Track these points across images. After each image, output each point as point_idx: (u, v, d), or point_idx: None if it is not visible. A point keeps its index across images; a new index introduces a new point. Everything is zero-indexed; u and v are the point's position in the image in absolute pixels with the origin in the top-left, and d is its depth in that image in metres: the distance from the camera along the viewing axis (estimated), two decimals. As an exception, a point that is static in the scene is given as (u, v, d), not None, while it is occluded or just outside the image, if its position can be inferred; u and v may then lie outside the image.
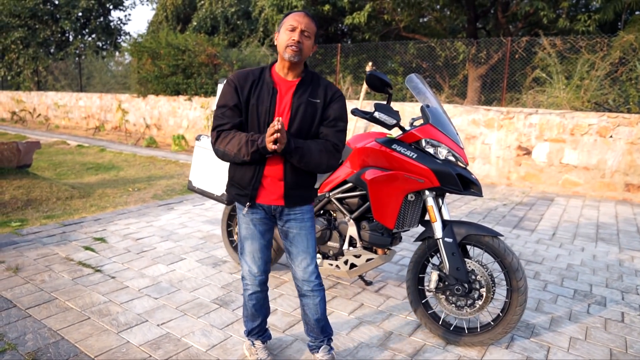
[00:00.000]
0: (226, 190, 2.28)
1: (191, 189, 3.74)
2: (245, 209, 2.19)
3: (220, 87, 3.38)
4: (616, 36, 8.18)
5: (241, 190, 2.18)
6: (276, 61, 2.18)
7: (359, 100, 9.40)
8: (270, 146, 1.94)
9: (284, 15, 2.13)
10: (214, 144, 2.12)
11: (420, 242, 2.82)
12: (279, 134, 1.91)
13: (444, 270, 2.62)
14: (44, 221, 4.88)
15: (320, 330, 2.36)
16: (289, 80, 2.14)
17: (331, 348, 2.40)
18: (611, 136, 7.05)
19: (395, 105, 8.69)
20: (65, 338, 2.62)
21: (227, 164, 2.97)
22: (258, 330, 2.47)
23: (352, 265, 3.05)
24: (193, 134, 12.41)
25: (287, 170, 2.13)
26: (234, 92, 2.11)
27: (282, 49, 2.07)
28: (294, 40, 2.03)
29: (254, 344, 2.48)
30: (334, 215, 3.17)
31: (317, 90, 2.16)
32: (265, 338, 2.51)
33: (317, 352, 2.38)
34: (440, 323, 2.75)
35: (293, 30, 2.04)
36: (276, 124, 1.90)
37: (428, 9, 12.69)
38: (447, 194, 3.39)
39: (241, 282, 2.41)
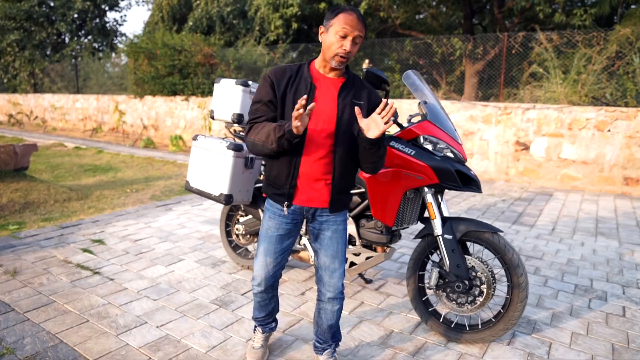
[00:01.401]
0: (264, 190, 2.20)
1: (189, 189, 3.71)
2: (285, 209, 2.11)
3: (217, 87, 3.36)
4: (612, 30, 8.17)
5: (277, 188, 2.11)
6: (314, 58, 2.12)
7: (357, 98, 9.37)
8: (296, 124, 1.82)
9: (332, 12, 1.97)
10: (246, 136, 2.05)
11: (419, 240, 2.81)
12: (301, 112, 1.79)
13: (444, 268, 2.61)
14: (42, 224, 4.86)
15: (331, 336, 2.33)
16: (330, 78, 2.07)
17: (334, 352, 2.38)
18: (609, 130, 7.05)
19: (392, 102, 8.66)
20: (64, 341, 2.60)
21: (226, 165, 2.98)
22: (262, 320, 2.47)
23: (352, 264, 3.03)
24: (190, 134, 12.38)
25: (335, 173, 2.07)
26: (270, 88, 2.03)
27: (329, 54, 1.98)
28: (345, 50, 1.94)
29: (255, 329, 2.52)
30: (333, 213, 3.15)
31: (361, 92, 2.11)
32: (267, 330, 2.51)
33: (321, 354, 2.37)
34: (441, 320, 2.73)
35: (345, 36, 1.93)
36: (301, 101, 1.78)
37: (424, 6, 12.68)
38: (446, 190, 3.38)
39: (240, 282, 2.40)
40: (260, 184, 3.23)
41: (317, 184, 2.07)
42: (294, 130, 1.84)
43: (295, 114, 1.79)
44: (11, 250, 4.04)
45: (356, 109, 1.91)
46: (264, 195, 2.21)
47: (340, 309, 2.25)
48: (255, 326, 2.52)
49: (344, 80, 2.07)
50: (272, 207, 2.16)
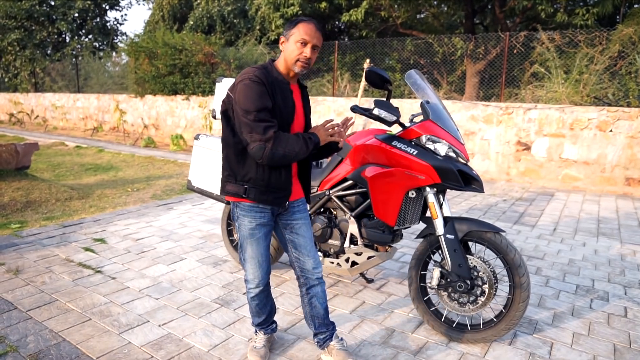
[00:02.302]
0: (257, 199, 2.17)
1: (190, 188, 3.72)
2: (287, 208, 2.30)
3: (218, 86, 3.36)
4: (615, 30, 8.16)
5: (280, 192, 2.20)
6: (274, 59, 2.21)
7: (357, 97, 9.38)
8: (329, 139, 2.13)
9: (292, 23, 2.11)
10: (271, 148, 2.00)
11: (421, 239, 2.81)
12: (338, 129, 2.15)
13: (446, 267, 2.61)
14: (44, 223, 4.86)
15: (329, 320, 2.44)
16: (293, 84, 2.24)
17: (338, 336, 2.47)
18: (611, 130, 7.04)
19: (393, 102, 8.67)
20: (66, 340, 2.61)
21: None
22: (263, 324, 2.52)
23: (354, 263, 3.03)
24: (191, 134, 12.38)
25: (301, 167, 2.33)
26: (267, 93, 2.05)
27: (291, 61, 2.11)
28: (305, 56, 2.09)
29: (256, 332, 2.56)
30: (335, 213, 3.15)
31: (305, 94, 2.35)
32: (269, 331, 2.55)
33: (331, 341, 2.43)
34: (442, 320, 2.74)
35: (304, 44, 2.08)
36: (336, 122, 2.15)
37: (425, 5, 12.67)
38: (448, 190, 3.38)
39: (242, 281, 2.42)
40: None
41: (294, 179, 2.32)
42: (321, 143, 2.13)
43: (336, 130, 2.14)
44: (13, 248, 4.05)
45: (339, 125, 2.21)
46: (243, 200, 2.19)
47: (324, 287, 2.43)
48: (256, 330, 2.55)
49: (299, 86, 2.30)
50: (253, 210, 2.21)
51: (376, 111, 2.60)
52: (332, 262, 3.11)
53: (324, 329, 2.43)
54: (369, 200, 2.90)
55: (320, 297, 2.37)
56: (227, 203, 3.07)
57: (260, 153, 2.01)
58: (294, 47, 2.08)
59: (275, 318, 2.88)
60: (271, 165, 2.12)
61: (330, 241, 3.13)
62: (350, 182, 2.97)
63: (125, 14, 32.28)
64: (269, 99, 2.05)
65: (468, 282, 2.55)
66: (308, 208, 2.41)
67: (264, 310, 2.45)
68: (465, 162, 2.66)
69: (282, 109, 2.11)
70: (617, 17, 11.84)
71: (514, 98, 9.39)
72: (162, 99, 13.34)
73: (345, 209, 3.01)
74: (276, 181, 2.16)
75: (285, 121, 2.13)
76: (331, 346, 2.42)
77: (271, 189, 2.17)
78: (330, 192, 3.06)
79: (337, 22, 16.60)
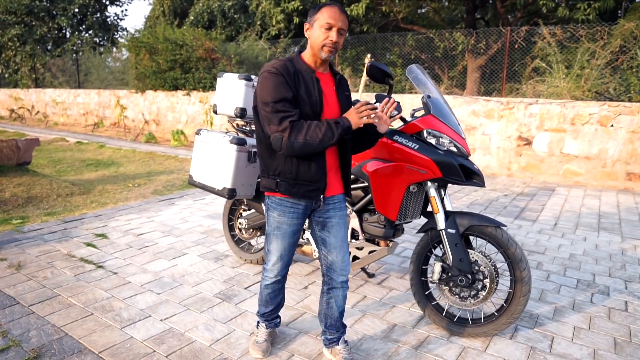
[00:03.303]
0: (288, 192, 2.13)
1: (192, 183, 3.71)
2: (322, 204, 2.20)
3: (219, 81, 3.36)
4: (616, 24, 8.13)
5: (311, 184, 2.13)
6: (301, 51, 2.18)
7: (359, 92, 9.36)
8: (363, 121, 2.02)
9: (315, 8, 2.08)
10: (288, 138, 1.96)
11: (422, 234, 2.81)
12: (373, 111, 2.04)
13: (447, 262, 2.62)
14: (45, 218, 4.87)
15: (341, 323, 2.41)
16: (323, 74, 2.17)
17: (345, 340, 2.44)
18: (612, 125, 7.03)
19: (395, 97, 8.64)
20: (69, 334, 2.62)
21: (229, 159, 2.97)
22: (268, 316, 2.52)
23: (355, 258, 3.04)
24: (192, 129, 12.37)
25: (344, 161, 2.24)
26: (286, 84, 2.01)
27: (317, 47, 2.07)
28: (332, 40, 2.03)
29: (258, 325, 2.55)
30: (336, 208, 3.15)
31: (345, 85, 2.28)
32: (272, 325, 2.55)
33: (337, 344, 2.41)
34: (443, 314, 2.74)
35: (330, 28, 2.03)
36: (366, 104, 2.03)
37: (426, 0, 12.61)
38: (449, 184, 3.38)
39: (243, 276, 2.42)
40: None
41: (331, 173, 2.20)
42: (354, 127, 2.03)
43: (364, 113, 2.02)
44: (15, 244, 4.06)
45: (372, 115, 2.07)
46: (276, 194, 2.18)
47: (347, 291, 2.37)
48: (259, 322, 2.55)
49: (335, 78, 2.22)
50: (282, 204, 2.17)
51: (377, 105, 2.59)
52: (334, 257, 3.11)
53: (333, 330, 2.40)
54: (370, 195, 2.90)
55: (339, 300, 2.33)
56: (228, 198, 3.07)
57: (278, 144, 1.99)
58: (319, 32, 2.04)
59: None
60: (296, 156, 2.06)
61: (331, 236, 3.14)
62: (351, 176, 2.97)
63: (126, 9, 32.21)
64: (288, 89, 2.00)
65: (469, 276, 2.55)
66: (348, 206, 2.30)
67: (273, 300, 2.45)
68: (466, 156, 2.66)
69: (306, 99, 2.05)
70: (619, 11, 11.79)
71: (515, 93, 9.37)
72: (162, 94, 13.32)
73: (347, 204, 3.02)
74: (305, 174, 2.10)
75: (312, 111, 2.07)
76: (337, 350, 2.40)
77: (301, 181, 2.11)
78: (332, 187, 3.06)
79: (337, 17, 16.52)
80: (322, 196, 2.16)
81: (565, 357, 2.50)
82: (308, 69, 2.10)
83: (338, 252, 2.25)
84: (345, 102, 2.21)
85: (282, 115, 1.98)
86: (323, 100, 2.10)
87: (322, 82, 2.13)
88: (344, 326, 2.43)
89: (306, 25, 2.12)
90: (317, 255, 3.16)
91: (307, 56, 2.14)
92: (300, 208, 2.19)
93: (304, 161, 2.09)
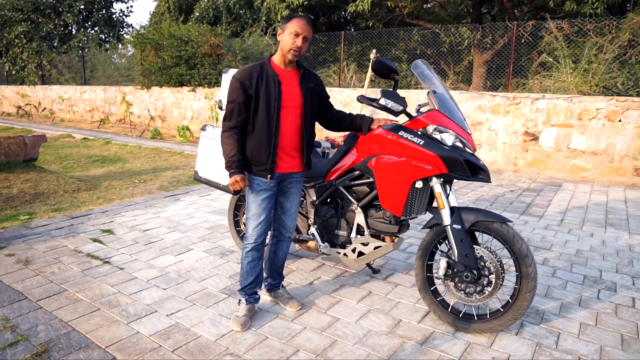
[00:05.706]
0: (249, 170, 2.61)
1: (197, 179, 3.74)
2: (268, 181, 2.59)
3: (225, 77, 3.36)
4: (625, 18, 8.03)
5: (260, 165, 2.58)
6: (272, 54, 2.61)
7: (364, 88, 9.34)
8: (233, 187, 2.55)
9: (287, 18, 2.52)
10: (222, 130, 2.58)
11: (428, 230, 2.80)
12: (239, 187, 2.54)
13: (453, 257, 2.61)
14: (52, 214, 4.91)
15: (282, 271, 3.00)
16: (289, 71, 2.60)
17: (284, 286, 3.05)
18: (620, 120, 6.97)
19: (400, 93, 8.61)
20: (76, 329, 2.64)
21: None
22: (248, 289, 2.78)
23: (360, 254, 3.04)
24: (197, 125, 12.40)
25: (304, 142, 2.66)
26: (240, 89, 2.48)
27: (285, 50, 2.51)
28: (297, 45, 2.48)
29: (240, 301, 2.80)
30: (341, 203, 3.15)
31: (310, 77, 2.69)
32: (251, 300, 2.80)
33: (278, 289, 2.99)
34: (449, 310, 2.74)
35: (297, 36, 2.47)
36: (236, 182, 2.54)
37: (432, -5, 12.51)
38: (455, 180, 3.36)
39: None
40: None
41: (293, 154, 2.67)
42: (231, 188, 2.57)
43: (234, 187, 2.54)
44: (23, 239, 4.09)
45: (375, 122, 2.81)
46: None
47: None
48: (240, 300, 2.80)
49: (300, 72, 2.63)
50: (256, 180, 2.63)
51: (383, 101, 2.59)
52: (339, 252, 3.12)
53: (276, 275, 2.97)
54: (375, 191, 2.89)
55: (284, 251, 2.93)
56: (234, 194, 3.08)
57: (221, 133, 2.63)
58: (288, 38, 2.48)
59: (278, 308, 2.94)
60: (249, 138, 2.57)
61: (337, 231, 3.14)
62: (357, 172, 2.96)
63: (131, 6, 32.27)
64: (241, 94, 2.48)
65: (475, 272, 2.55)
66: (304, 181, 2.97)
67: (253, 270, 2.75)
68: (472, 152, 2.64)
69: (265, 96, 2.49)
70: (628, 5, 11.66)
71: (521, 88, 9.30)
72: (168, 90, 13.35)
73: (352, 200, 3.01)
74: (256, 156, 2.56)
75: (271, 104, 2.50)
76: (278, 293, 2.96)
77: (254, 162, 2.59)
78: (337, 182, 3.06)
79: (343, 13, 16.49)
80: (269, 175, 2.57)
81: (571, 354, 2.49)
82: (273, 72, 2.53)
83: (291, 214, 2.84)
84: (308, 92, 2.62)
85: (230, 116, 2.55)
86: (282, 95, 2.52)
87: (285, 79, 2.56)
88: (283, 276, 3.02)
89: (279, 31, 2.55)
90: (322, 250, 3.18)
91: (277, 57, 2.58)
92: (264, 182, 2.61)
93: (256, 145, 2.55)
